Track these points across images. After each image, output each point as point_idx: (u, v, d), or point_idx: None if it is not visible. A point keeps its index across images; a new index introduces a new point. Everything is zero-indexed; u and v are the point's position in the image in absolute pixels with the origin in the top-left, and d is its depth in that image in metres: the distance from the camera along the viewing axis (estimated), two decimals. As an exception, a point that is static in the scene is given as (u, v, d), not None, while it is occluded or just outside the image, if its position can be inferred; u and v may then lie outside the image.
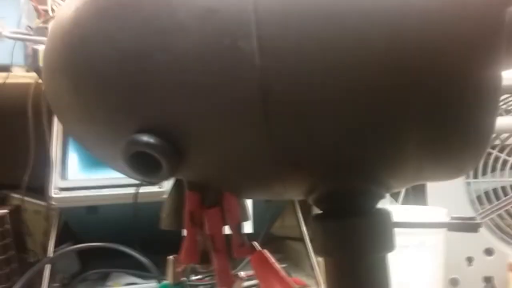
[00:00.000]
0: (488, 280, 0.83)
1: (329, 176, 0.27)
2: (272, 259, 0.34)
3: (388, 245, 0.29)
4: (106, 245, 0.79)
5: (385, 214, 0.30)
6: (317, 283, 0.89)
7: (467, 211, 0.86)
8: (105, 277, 0.89)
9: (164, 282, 0.35)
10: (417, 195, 0.98)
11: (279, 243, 1.08)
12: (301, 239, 0.95)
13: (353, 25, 0.23)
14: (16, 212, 0.89)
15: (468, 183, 0.87)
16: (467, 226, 0.33)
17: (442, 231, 0.77)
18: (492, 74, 0.23)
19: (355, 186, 0.28)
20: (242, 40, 0.23)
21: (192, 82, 0.24)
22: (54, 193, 0.77)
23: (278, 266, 0.34)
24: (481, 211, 0.85)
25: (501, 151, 0.85)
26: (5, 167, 0.95)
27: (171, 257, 0.34)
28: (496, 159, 0.85)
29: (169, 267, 0.35)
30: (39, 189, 0.90)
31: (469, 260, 0.85)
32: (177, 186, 0.32)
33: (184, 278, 0.36)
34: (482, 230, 0.85)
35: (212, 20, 0.23)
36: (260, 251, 0.34)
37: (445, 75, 0.23)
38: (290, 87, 0.23)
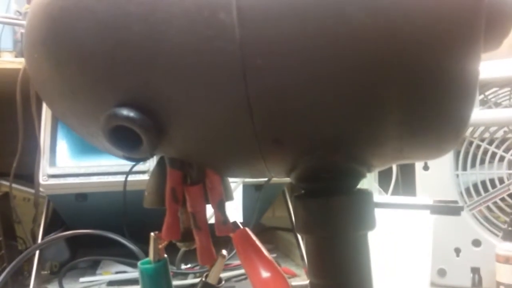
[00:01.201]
0: (475, 271, 0.84)
1: (310, 153, 0.27)
2: (253, 237, 0.34)
3: (369, 224, 0.30)
4: (95, 232, 0.78)
5: (366, 194, 0.30)
6: (306, 273, 0.89)
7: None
8: (95, 265, 0.89)
9: (146, 259, 0.35)
10: (406, 187, 0.99)
11: (270, 234, 1.09)
12: (291, 230, 0.95)
13: (337, 3, 0.22)
14: (5, 199, 0.88)
15: (457, 175, 0.88)
16: (450, 209, 0.33)
17: (430, 221, 0.77)
18: (471, 57, 0.23)
19: (336, 164, 0.28)
20: (222, 12, 0.23)
21: (171, 54, 0.23)
22: (42, 180, 0.77)
23: (259, 244, 0.34)
24: (469, 203, 0.86)
25: (490, 143, 0.85)
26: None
27: (152, 233, 0.34)
28: (485, 151, 0.86)
29: (150, 244, 0.35)
30: (28, 176, 0.90)
31: (457, 251, 0.86)
32: (160, 164, 0.32)
33: (165, 255, 0.36)
34: (470, 222, 0.86)
35: None
36: (242, 229, 0.34)
37: (425, 58, 0.23)
38: (270, 61, 0.23)
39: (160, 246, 0.34)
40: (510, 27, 0.26)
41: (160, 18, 0.23)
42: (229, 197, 0.33)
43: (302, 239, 0.92)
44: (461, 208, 0.32)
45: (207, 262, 0.34)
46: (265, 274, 0.32)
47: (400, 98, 0.24)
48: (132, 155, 0.26)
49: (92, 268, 0.89)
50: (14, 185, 0.91)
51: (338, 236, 0.29)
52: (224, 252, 0.35)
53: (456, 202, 0.34)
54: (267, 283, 0.32)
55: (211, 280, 0.35)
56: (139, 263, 0.35)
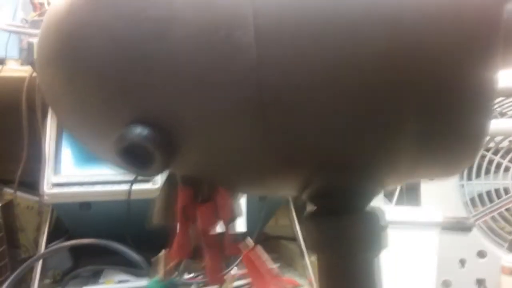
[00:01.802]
0: (480, 282, 0.83)
1: (324, 173, 0.27)
2: (264, 256, 0.34)
3: (380, 244, 0.29)
4: (98, 242, 0.78)
5: (378, 213, 0.30)
6: (310, 283, 0.89)
7: (461, 213, 0.86)
8: (97, 274, 0.89)
9: (155, 278, 0.35)
10: (410, 197, 0.98)
11: (273, 243, 1.08)
12: (294, 239, 0.94)
13: (351, 21, 0.23)
14: (8, 207, 0.88)
15: (462, 185, 0.87)
16: (461, 226, 0.33)
17: (435, 233, 0.77)
18: (488, 75, 0.23)
19: (349, 183, 0.28)
20: (239, 32, 0.23)
21: (187, 73, 0.23)
22: (46, 188, 0.76)
23: (270, 263, 0.34)
24: (474, 213, 0.86)
25: (495, 153, 0.85)
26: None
27: (162, 252, 0.34)
28: (490, 161, 0.86)
29: (160, 262, 0.34)
30: (32, 183, 0.90)
31: (462, 262, 0.86)
32: (170, 181, 0.32)
33: (176, 274, 0.35)
34: (475, 233, 0.85)
35: (209, 10, 0.23)
36: (252, 248, 0.34)
37: (442, 76, 0.23)
38: (287, 81, 0.23)
39: (170, 265, 0.34)
40: None
41: (177, 36, 0.23)
42: (239, 214, 0.33)
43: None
44: (473, 225, 0.32)
45: (216, 281, 0.33)
46: None
47: (416, 115, 0.24)
48: (143, 172, 0.26)
49: (95, 277, 0.89)
50: (18, 193, 0.91)
51: (349, 256, 0.29)
52: (233, 272, 0.35)
53: (467, 219, 0.34)
54: None
55: None
56: (148, 283, 0.35)
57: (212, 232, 0.31)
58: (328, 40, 0.23)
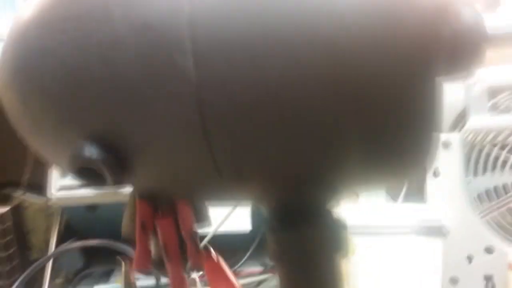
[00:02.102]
0: (488, 278, 0.82)
1: (274, 188, 0.27)
2: (225, 266, 0.34)
3: (341, 250, 0.30)
4: (106, 243, 0.79)
5: (336, 221, 0.30)
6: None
7: (467, 210, 0.85)
8: (108, 274, 0.90)
9: (115, 284, 0.36)
10: (417, 194, 0.98)
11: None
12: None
13: (286, 41, 0.23)
14: (18, 210, 0.90)
15: (469, 182, 0.87)
16: (434, 231, 0.33)
17: (441, 230, 0.77)
18: (429, 87, 0.23)
19: (302, 196, 0.28)
20: (178, 56, 0.23)
21: (130, 96, 0.24)
22: (53, 191, 0.78)
23: (230, 273, 0.34)
24: (481, 209, 0.85)
25: (502, 149, 0.84)
26: (7, 164, 0.96)
27: (119, 257, 0.35)
28: (497, 157, 0.85)
29: (122, 270, 0.36)
30: (42, 187, 0.91)
31: (469, 258, 0.85)
32: (133, 195, 0.33)
33: (136, 282, 0.37)
34: (482, 228, 0.84)
35: (148, 35, 0.23)
36: (214, 258, 0.34)
37: (383, 96, 0.23)
38: (226, 102, 0.23)
39: (131, 274, 0.35)
40: (480, 55, 0.26)
41: (120, 61, 0.24)
42: (205, 222, 0.33)
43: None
44: (447, 231, 0.32)
45: None
46: None
47: (359, 134, 0.24)
48: (99, 189, 0.27)
49: (105, 276, 0.90)
50: (27, 196, 0.93)
51: (308, 265, 0.29)
52: (194, 277, 0.36)
53: (439, 221, 0.34)
54: None
55: None
56: None
57: (172, 245, 0.32)
58: (265, 63, 0.23)
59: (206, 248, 0.34)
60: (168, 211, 0.31)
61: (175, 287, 0.33)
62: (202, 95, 0.23)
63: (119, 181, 0.26)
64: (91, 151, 0.25)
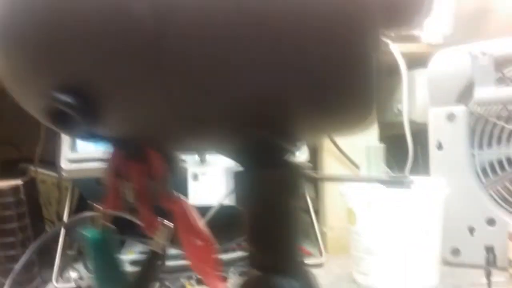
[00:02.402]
0: (489, 249, 0.83)
1: (231, 131, 0.30)
2: (193, 211, 0.37)
3: (296, 195, 0.33)
4: (117, 214, 0.82)
5: (294, 167, 0.33)
6: (320, 252, 0.91)
7: (472, 182, 0.86)
8: (119, 245, 0.93)
9: (91, 227, 0.39)
10: (423, 167, 0.98)
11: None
12: (306, 210, 0.96)
13: None
14: (31, 183, 0.93)
15: (473, 155, 0.87)
16: (399, 182, 0.35)
17: (441, 200, 0.77)
18: (368, 40, 0.26)
19: (259, 140, 0.30)
20: (136, 3, 0.25)
21: (94, 42, 0.26)
22: (64, 164, 0.80)
23: (198, 218, 0.37)
24: (486, 182, 0.85)
25: (507, 122, 0.84)
26: (21, 141, 0.99)
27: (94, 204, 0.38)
28: (502, 130, 0.85)
29: (95, 213, 0.39)
30: (54, 162, 0.94)
31: (471, 230, 0.86)
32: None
33: (111, 225, 0.40)
34: (485, 200, 0.85)
35: None
36: (183, 201, 0.37)
37: (327, 42, 0.26)
38: (184, 43, 0.25)
39: (104, 218, 0.38)
40: (415, 12, 0.29)
41: (86, 8, 0.26)
42: (176, 170, 0.35)
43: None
44: (411, 182, 0.34)
45: (149, 229, 0.38)
46: (199, 242, 0.37)
47: (306, 81, 0.27)
48: (71, 134, 0.29)
49: (117, 247, 0.93)
50: (40, 170, 0.95)
51: (268, 207, 0.32)
52: (166, 222, 0.38)
53: (406, 177, 0.37)
54: (199, 250, 0.37)
55: (155, 247, 0.40)
56: (84, 230, 0.39)
57: (143, 190, 0.35)
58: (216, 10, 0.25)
59: (177, 195, 0.37)
60: (140, 159, 0.34)
61: (146, 228, 0.36)
62: (159, 31, 0.25)
63: (91, 126, 0.29)
64: (64, 98, 0.28)
